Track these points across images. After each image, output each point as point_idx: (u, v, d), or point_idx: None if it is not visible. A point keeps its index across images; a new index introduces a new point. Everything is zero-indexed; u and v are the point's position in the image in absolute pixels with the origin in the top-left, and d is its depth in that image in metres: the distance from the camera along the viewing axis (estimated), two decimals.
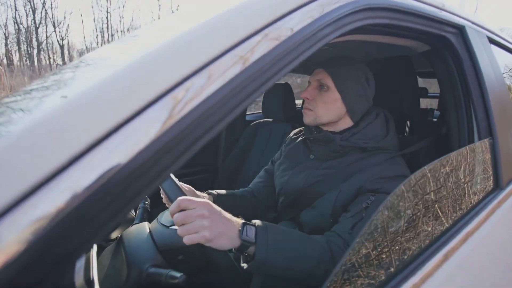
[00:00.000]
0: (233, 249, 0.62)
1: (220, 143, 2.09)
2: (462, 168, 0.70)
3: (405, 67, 1.04)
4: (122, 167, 0.32)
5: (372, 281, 0.50)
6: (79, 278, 0.54)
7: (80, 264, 0.54)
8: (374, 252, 0.51)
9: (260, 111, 1.87)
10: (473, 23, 0.87)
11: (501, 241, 0.73)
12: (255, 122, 1.89)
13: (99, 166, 0.31)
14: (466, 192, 0.69)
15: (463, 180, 0.69)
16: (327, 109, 0.88)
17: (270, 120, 1.84)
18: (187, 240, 0.58)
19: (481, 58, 0.83)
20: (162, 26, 0.55)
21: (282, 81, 1.80)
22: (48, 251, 0.29)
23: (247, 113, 2.20)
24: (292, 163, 0.98)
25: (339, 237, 0.73)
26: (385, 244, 0.53)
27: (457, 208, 0.67)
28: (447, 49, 0.81)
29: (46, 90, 0.42)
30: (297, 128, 1.12)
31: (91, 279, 0.66)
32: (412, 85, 1.04)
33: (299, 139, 1.02)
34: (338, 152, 0.88)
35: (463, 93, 0.80)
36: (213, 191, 0.97)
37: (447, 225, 0.62)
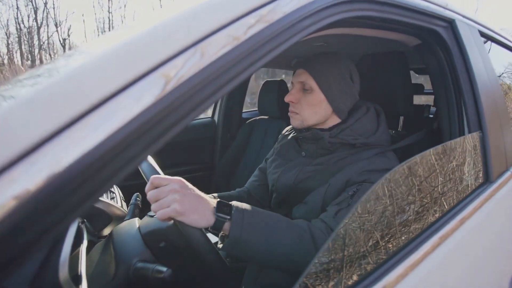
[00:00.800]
0: (209, 228, 0.62)
1: (216, 141, 2.10)
2: (451, 161, 0.69)
3: (398, 62, 1.04)
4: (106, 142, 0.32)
5: (358, 268, 0.50)
6: (63, 274, 0.54)
7: (64, 259, 0.55)
8: (360, 239, 0.51)
9: (256, 109, 1.87)
10: (464, 16, 0.87)
11: (490, 235, 0.73)
12: (251, 120, 1.89)
13: (82, 142, 0.31)
14: (455, 185, 0.69)
15: (452, 173, 0.69)
16: (313, 111, 0.86)
17: (266, 117, 1.84)
18: (160, 214, 0.58)
19: (472, 52, 0.82)
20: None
21: (277, 78, 1.80)
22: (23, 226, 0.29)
23: (243, 111, 2.20)
24: (284, 160, 0.99)
25: (321, 222, 0.73)
26: (372, 232, 0.53)
27: (446, 201, 0.66)
28: (437, 43, 0.81)
29: (37, 77, 0.42)
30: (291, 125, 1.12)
31: (79, 274, 0.67)
32: (405, 81, 1.03)
33: (291, 136, 1.02)
34: (327, 149, 0.87)
35: (454, 87, 0.80)
36: (210, 195, 0.96)
37: (433, 219, 0.62)
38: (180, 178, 0.64)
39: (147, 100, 0.35)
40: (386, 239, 0.56)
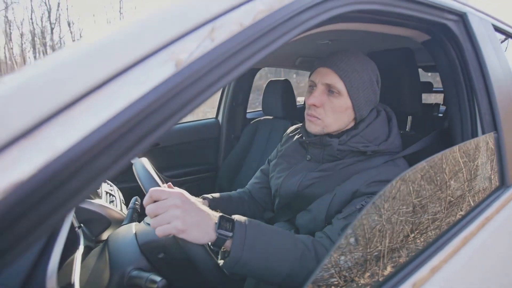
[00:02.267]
0: (209, 244, 0.59)
1: (220, 141, 2.08)
2: (463, 164, 0.65)
3: (406, 60, 0.99)
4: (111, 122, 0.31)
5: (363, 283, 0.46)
6: (51, 283, 0.52)
7: (52, 270, 0.52)
8: (363, 254, 0.47)
9: (261, 109, 1.84)
10: (476, 10, 0.82)
11: (507, 243, 0.68)
12: (255, 120, 1.86)
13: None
14: (468, 190, 0.64)
15: (463, 177, 0.65)
16: (337, 118, 0.78)
17: (270, 117, 1.81)
18: (159, 231, 0.55)
19: (485, 47, 0.77)
20: None
21: (281, 78, 1.76)
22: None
23: (248, 111, 2.18)
24: (288, 164, 0.94)
25: (327, 238, 0.69)
26: (377, 245, 0.49)
27: (458, 208, 0.62)
28: (447, 38, 0.76)
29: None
30: (297, 125, 1.07)
31: (72, 283, 0.64)
32: (413, 79, 0.98)
33: (296, 137, 0.98)
34: (335, 156, 0.82)
35: (466, 84, 0.75)
36: (208, 195, 0.91)
37: (445, 227, 0.58)
38: (182, 191, 0.60)
39: (156, 80, 0.34)
40: (395, 247, 0.52)
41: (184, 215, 0.56)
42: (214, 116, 2.14)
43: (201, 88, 0.36)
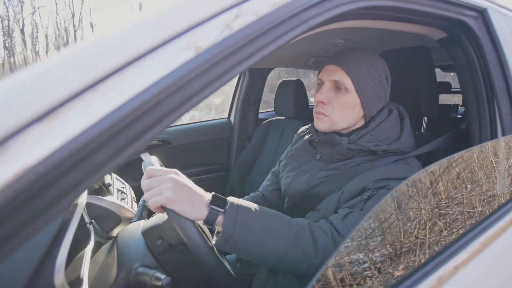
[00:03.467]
0: (202, 222, 0.59)
1: (232, 142, 2.08)
2: (480, 167, 0.62)
3: (422, 58, 0.96)
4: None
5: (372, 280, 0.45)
6: (59, 279, 0.53)
7: (60, 264, 0.53)
8: (373, 250, 0.46)
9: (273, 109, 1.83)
10: (498, 5, 0.78)
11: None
12: (267, 120, 1.85)
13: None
14: (484, 195, 0.61)
15: (480, 181, 0.61)
16: (345, 115, 0.78)
17: (282, 118, 1.79)
18: (152, 202, 0.57)
19: (507, 45, 0.73)
20: None
21: (294, 78, 1.75)
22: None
23: (260, 111, 2.17)
24: (297, 164, 0.93)
25: (327, 222, 0.68)
26: (385, 242, 0.47)
27: (473, 214, 0.59)
28: (466, 36, 0.73)
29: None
30: (308, 125, 1.06)
31: (81, 277, 0.66)
32: (429, 78, 0.95)
33: (306, 137, 0.97)
34: (344, 155, 0.80)
35: (485, 84, 0.72)
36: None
37: (458, 234, 0.55)
38: (175, 170, 0.63)
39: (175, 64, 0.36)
40: (404, 250, 0.50)
41: (176, 188, 0.58)
42: (226, 116, 2.15)
43: (219, 73, 0.38)
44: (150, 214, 0.97)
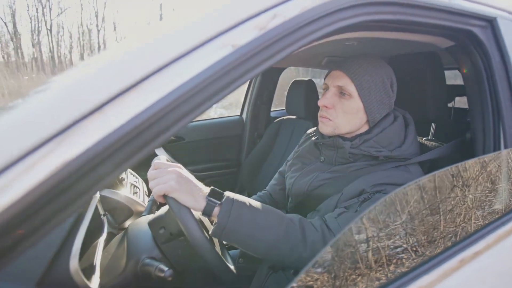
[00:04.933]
0: (201, 213, 0.65)
1: (244, 139, 2.12)
2: (480, 179, 0.62)
3: (431, 64, 0.95)
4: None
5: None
6: (74, 265, 0.58)
7: (75, 251, 0.59)
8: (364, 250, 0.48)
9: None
10: (510, 13, 0.76)
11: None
12: (278, 119, 1.87)
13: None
14: (482, 208, 0.62)
15: (480, 193, 0.62)
16: (348, 119, 0.80)
17: (294, 117, 1.81)
18: (156, 190, 0.63)
19: None
20: None
21: (305, 78, 1.76)
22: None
23: (272, 109, 2.19)
24: (302, 165, 0.96)
25: (319, 219, 0.71)
26: (377, 245, 0.49)
27: (469, 226, 0.60)
28: (473, 45, 0.72)
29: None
30: (315, 127, 1.08)
31: (94, 264, 0.72)
32: (437, 84, 0.94)
33: (312, 139, 0.99)
34: (347, 159, 0.83)
35: (491, 94, 0.71)
36: None
37: (454, 240, 0.56)
38: (179, 164, 0.69)
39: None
40: (392, 254, 0.52)
41: (179, 179, 0.64)
42: (239, 114, 2.18)
43: (251, 65, 0.45)
44: (159, 208, 1.03)
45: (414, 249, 0.52)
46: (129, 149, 0.39)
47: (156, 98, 0.40)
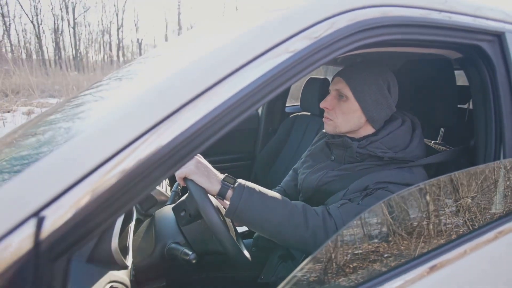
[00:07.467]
0: (215, 196, 0.76)
1: (258, 133, 2.19)
2: (480, 187, 0.67)
3: (442, 70, 0.98)
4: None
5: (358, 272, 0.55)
6: (114, 244, 0.69)
7: (115, 232, 0.69)
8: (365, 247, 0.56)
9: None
10: None
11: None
12: (293, 115, 1.93)
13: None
14: (481, 215, 0.67)
15: (478, 201, 0.67)
16: (347, 119, 0.89)
17: (308, 113, 1.86)
18: (178, 173, 0.74)
19: None
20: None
21: (321, 76, 1.79)
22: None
23: (287, 105, 2.24)
24: (313, 162, 1.03)
25: (322, 206, 0.80)
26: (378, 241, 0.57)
27: (466, 230, 0.65)
28: (481, 58, 0.76)
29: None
30: None
31: (127, 246, 0.82)
32: (448, 90, 0.97)
33: (323, 139, 1.06)
34: (355, 158, 0.90)
35: (494, 106, 0.75)
36: None
37: (450, 244, 0.62)
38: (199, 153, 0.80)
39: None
40: (387, 250, 0.59)
41: (198, 164, 0.76)
42: None
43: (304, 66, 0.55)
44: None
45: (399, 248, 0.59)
46: (202, 137, 0.50)
47: (240, 87, 0.51)
